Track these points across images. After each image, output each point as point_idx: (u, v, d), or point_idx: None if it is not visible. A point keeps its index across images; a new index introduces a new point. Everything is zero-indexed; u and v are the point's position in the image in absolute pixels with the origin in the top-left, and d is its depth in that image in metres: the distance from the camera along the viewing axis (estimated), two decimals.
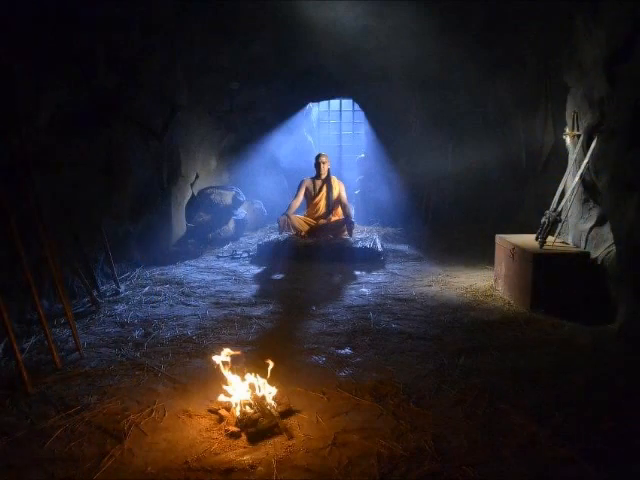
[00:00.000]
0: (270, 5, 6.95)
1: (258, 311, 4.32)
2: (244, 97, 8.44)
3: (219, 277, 5.52)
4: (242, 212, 7.92)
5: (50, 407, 2.67)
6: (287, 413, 2.57)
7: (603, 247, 4.12)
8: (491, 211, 7.88)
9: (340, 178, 7.38)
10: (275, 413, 2.49)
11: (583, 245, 4.40)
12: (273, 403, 2.57)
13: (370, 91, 8.64)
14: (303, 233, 6.78)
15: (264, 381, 2.65)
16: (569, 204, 4.52)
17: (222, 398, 2.63)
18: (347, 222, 6.85)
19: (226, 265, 6.13)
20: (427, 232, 7.94)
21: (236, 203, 7.67)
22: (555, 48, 5.30)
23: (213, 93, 7.77)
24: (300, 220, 6.90)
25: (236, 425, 2.44)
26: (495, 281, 5.05)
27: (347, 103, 11.63)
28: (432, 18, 6.92)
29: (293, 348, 3.50)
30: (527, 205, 6.94)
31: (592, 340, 3.57)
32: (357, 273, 5.72)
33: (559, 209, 4.53)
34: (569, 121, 4.70)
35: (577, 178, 4.37)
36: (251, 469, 2.14)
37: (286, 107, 9.34)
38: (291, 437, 2.36)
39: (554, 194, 4.69)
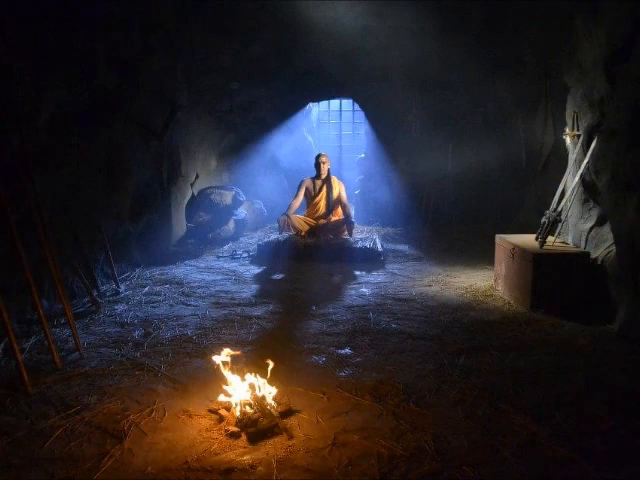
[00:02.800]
0: (270, 5, 6.95)
1: (258, 311, 4.32)
2: (244, 97, 8.44)
3: (219, 277, 5.52)
4: (242, 212, 7.92)
5: (50, 407, 2.67)
6: (287, 413, 2.57)
7: (603, 247, 4.12)
8: (491, 211, 7.89)
9: (340, 178, 7.37)
10: (275, 413, 2.49)
11: (583, 245, 4.40)
12: (273, 403, 2.57)
13: (370, 91, 8.64)
14: (303, 233, 6.78)
15: (264, 381, 2.65)
16: (569, 204, 4.52)
17: (222, 398, 2.63)
18: (347, 222, 6.85)
19: (226, 265, 6.13)
20: (427, 232, 7.95)
21: (236, 203, 7.67)
22: (555, 48, 5.30)
23: (213, 93, 7.77)
24: (300, 220, 6.90)
25: (236, 425, 2.44)
26: (495, 281, 5.05)
27: (347, 103, 11.64)
28: (432, 18, 6.92)
29: (293, 348, 3.50)
30: (527, 205, 6.94)
31: (592, 340, 3.57)
32: (357, 273, 5.72)
33: (559, 209, 4.53)
34: (569, 121, 4.70)
35: (577, 178, 4.37)
36: (251, 469, 2.14)
37: (286, 107, 9.34)
38: (291, 437, 2.36)
39: (554, 194, 4.69)
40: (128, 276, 5.36)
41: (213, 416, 2.57)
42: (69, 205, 4.52)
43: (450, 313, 4.22)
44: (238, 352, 2.83)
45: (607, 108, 3.93)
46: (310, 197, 7.11)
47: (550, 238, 4.49)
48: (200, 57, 7.06)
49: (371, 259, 6.19)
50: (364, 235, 7.05)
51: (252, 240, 7.61)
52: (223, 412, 2.57)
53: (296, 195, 7.07)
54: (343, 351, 3.45)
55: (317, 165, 7.05)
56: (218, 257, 6.56)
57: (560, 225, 4.58)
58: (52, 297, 4.19)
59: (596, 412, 2.59)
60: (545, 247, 4.38)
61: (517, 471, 2.13)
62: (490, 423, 2.49)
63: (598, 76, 3.98)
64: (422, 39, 7.23)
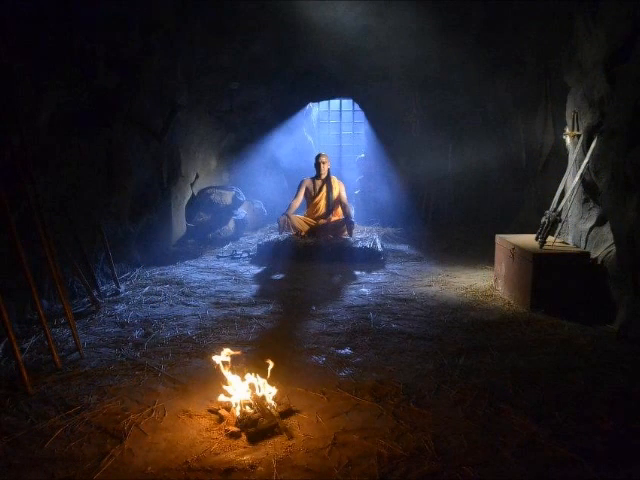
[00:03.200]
0: (270, 5, 6.95)
1: (258, 311, 4.32)
2: (244, 97, 8.45)
3: (219, 277, 5.52)
4: (242, 212, 7.92)
5: (50, 407, 2.67)
6: (287, 413, 2.57)
7: (603, 247, 4.12)
8: (491, 211, 7.89)
9: (340, 178, 7.37)
10: (275, 413, 2.49)
11: (583, 245, 4.40)
12: (273, 403, 2.57)
13: (370, 91, 8.65)
14: (303, 233, 6.78)
15: (264, 381, 2.65)
16: (569, 204, 4.52)
17: (222, 398, 2.63)
18: (347, 222, 6.85)
19: (226, 265, 6.13)
20: (427, 232, 7.95)
21: (236, 203, 7.67)
22: (555, 48, 5.30)
23: (213, 93, 7.77)
24: (300, 220, 6.90)
25: (236, 425, 2.44)
26: (495, 281, 5.05)
27: (347, 103, 11.64)
28: (432, 18, 6.93)
29: (293, 348, 3.50)
30: (527, 205, 6.94)
31: (592, 340, 3.57)
32: (357, 273, 5.72)
33: (559, 209, 4.53)
34: (569, 121, 4.70)
35: (577, 178, 4.37)
36: (251, 469, 2.14)
37: (286, 107, 9.35)
38: (291, 437, 2.36)
39: (554, 194, 4.69)
40: (128, 276, 5.36)
41: (213, 416, 2.57)
42: (69, 205, 4.52)
43: (450, 313, 4.22)
44: (238, 352, 2.83)
45: (607, 108, 3.93)
46: (310, 197, 7.11)
47: (550, 238, 4.49)
48: (200, 57, 7.06)
49: (371, 259, 6.19)
50: (364, 235, 7.05)
51: (252, 240, 7.61)
52: (223, 412, 2.57)
53: (296, 195, 7.07)
54: (343, 351, 3.45)
55: (317, 165, 7.05)
56: (218, 257, 6.56)
57: (560, 225, 4.58)
58: (52, 297, 4.19)
59: (596, 412, 2.59)
60: (545, 247, 4.38)
61: (517, 471, 2.13)
62: (490, 423, 2.49)
63: (598, 76, 3.98)
64: (422, 39, 7.23)
